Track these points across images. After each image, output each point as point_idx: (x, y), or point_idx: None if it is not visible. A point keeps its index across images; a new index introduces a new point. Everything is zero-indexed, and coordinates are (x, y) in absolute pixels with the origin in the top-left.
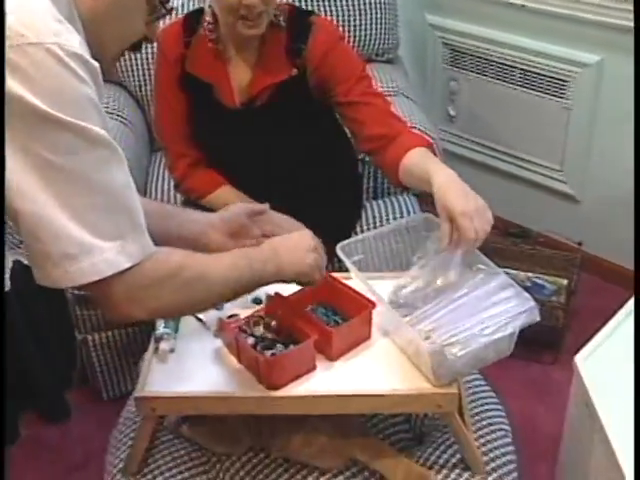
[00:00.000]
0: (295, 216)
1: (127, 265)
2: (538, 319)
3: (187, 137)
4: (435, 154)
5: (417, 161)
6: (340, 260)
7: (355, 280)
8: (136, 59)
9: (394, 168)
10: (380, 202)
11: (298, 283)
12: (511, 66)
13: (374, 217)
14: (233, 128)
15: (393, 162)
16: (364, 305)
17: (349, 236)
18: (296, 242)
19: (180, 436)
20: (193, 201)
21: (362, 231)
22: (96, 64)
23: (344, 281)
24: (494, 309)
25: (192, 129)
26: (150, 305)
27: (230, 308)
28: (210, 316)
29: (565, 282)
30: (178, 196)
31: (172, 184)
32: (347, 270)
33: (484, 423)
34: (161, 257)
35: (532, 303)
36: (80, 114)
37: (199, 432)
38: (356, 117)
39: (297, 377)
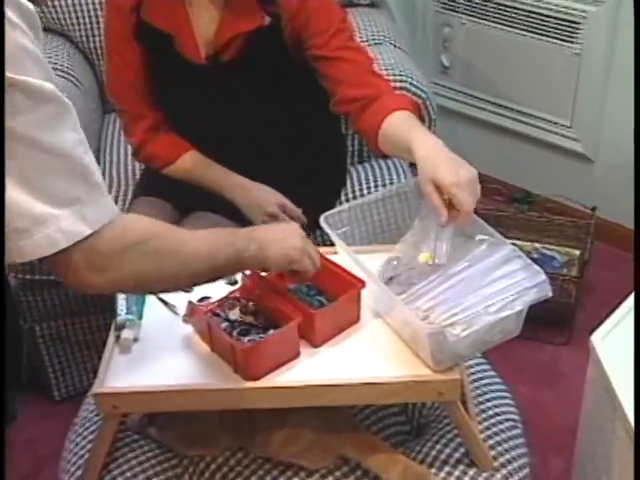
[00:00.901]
0: (272, 185)
1: (87, 233)
2: (550, 294)
3: (145, 97)
4: (421, 118)
5: (397, 127)
6: (324, 233)
7: (341, 255)
8: (81, 4)
9: (373, 135)
10: (367, 166)
11: (290, 274)
12: (512, 7)
13: (360, 184)
14: (198, 86)
15: (371, 128)
16: (352, 283)
17: (333, 206)
18: (284, 228)
19: (146, 437)
20: (154, 170)
21: (347, 200)
22: (31, 6)
23: (329, 256)
24: (500, 284)
25: (150, 87)
26: (113, 275)
27: (201, 290)
28: (179, 299)
29: (577, 253)
30: (137, 165)
31: (130, 151)
32: (332, 244)
33: (490, 413)
34: (128, 223)
35: (543, 277)
36: (16, 67)
37: (168, 433)
38: (332, 75)
39: (278, 366)
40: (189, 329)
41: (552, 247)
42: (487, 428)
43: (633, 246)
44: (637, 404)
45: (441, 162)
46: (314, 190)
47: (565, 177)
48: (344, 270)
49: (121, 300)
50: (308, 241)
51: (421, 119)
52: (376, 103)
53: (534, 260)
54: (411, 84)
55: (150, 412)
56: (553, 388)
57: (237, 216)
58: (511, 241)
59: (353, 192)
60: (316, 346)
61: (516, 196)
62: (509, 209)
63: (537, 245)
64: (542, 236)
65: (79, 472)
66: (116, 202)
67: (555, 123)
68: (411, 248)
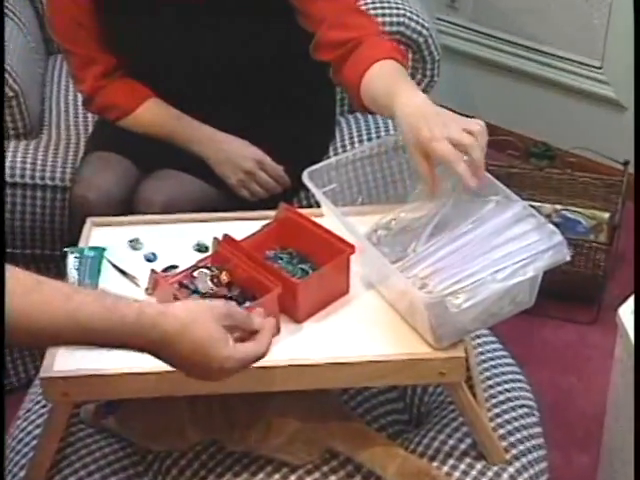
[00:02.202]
0: (248, 139)
1: None
2: (568, 258)
3: (95, 36)
4: (405, 66)
5: (379, 80)
6: (310, 195)
7: (328, 217)
8: None
9: (355, 89)
10: (360, 116)
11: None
12: None
13: (352, 137)
14: (159, 22)
15: (353, 81)
16: (339, 249)
17: (320, 161)
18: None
19: (103, 431)
20: (110, 122)
21: (336, 154)
22: None
23: (314, 219)
24: (509, 247)
25: (101, 26)
26: None
27: (166, 257)
28: (140, 269)
29: (606, 216)
30: (90, 116)
31: (79, 100)
32: (317, 205)
33: (501, 398)
34: None
35: (559, 237)
36: None
37: (130, 425)
38: (311, 12)
39: None
40: None
41: (576, 209)
42: (497, 415)
43: None
44: (637, 404)
45: (424, 119)
46: (298, 144)
47: (592, 127)
48: (331, 234)
49: (72, 269)
50: (259, 174)
51: (421, 61)
52: (358, 51)
53: (555, 225)
54: (410, 19)
55: (107, 400)
56: (577, 372)
57: (207, 174)
58: (528, 202)
59: (343, 146)
60: (299, 321)
61: (533, 150)
62: (525, 165)
63: (558, 207)
64: (564, 197)
65: (23, 472)
66: (65, 159)
67: (582, 64)
68: (410, 212)
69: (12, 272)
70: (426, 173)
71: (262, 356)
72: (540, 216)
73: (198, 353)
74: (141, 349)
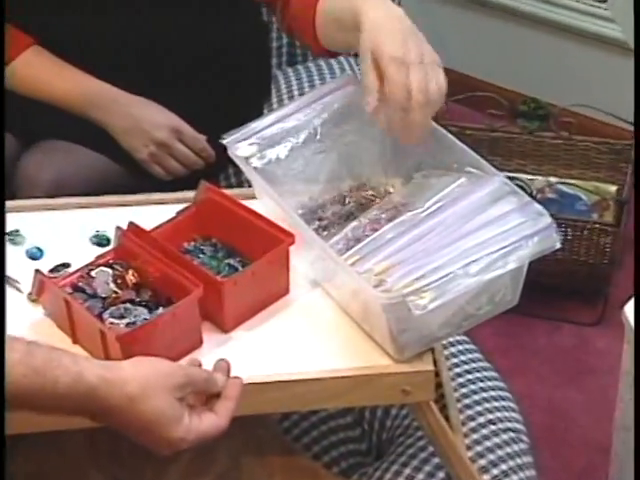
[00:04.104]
0: (163, 101)
1: None
2: (558, 245)
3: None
4: None
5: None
6: (239, 171)
7: (261, 199)
8: None
9: (308, 21)
10: (301, 68)
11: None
12: None
13: (291, 92)
14: None
15: (304, 12)
16: (276, 239)
17: None
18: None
19: None
20: None
21: None
22: None
23: (243, 202)
24: (485, 232)
25: None
26: None
27: (54, 253)
28: (22, 269)
29: (613, 189)
30: None
31: None
32: (248, 184)
33: (482, 420)
34: None
35: (547, 219)
36: None
37: (18, 468)
38: None
39: (173, 360)
40: (39, 313)
41: (575, 182)
42: (477, 442)
43: None
44: (637, 405)
45: (387, 30)
46: (223, 106)
47: (595, 77)
48: (266, 221)
49: None
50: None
51: None
52: None
53: (548, 201)
54: None
55: None
56: (578, 386)
57: (108, 146)
58: (516, 174)
59: (281, 104)
60: (226, 330)
61: (521, 108)
62: (511, 128)
63: (553, 180)
64: (560, 166)
65: None
66: None
67: None
68: (362, 189)
69: None
70: (369, 80)
71: (223, 430)
72: (523, 193)
73: (146, 432)
74: (78, 415)
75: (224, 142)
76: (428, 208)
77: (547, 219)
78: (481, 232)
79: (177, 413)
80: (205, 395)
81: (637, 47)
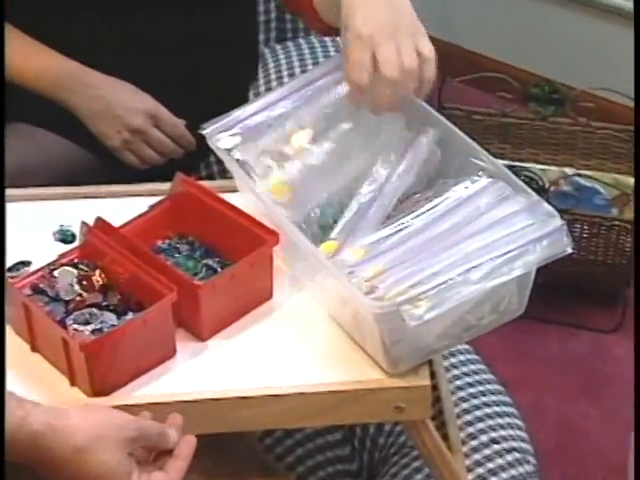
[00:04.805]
0: (138, 82)
1: None
2: (569, 250)
3: None
4: None
5: None
6: (219, 161)
7: (243, 193)
8: None
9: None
10: (291, 45)
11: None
12: None
13: (279, 73)
14: None
15: None
16: (259, 238)
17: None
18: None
19: None
20: None
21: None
22: None
23: (223, 196)
24: (489, 234)
25: None
26: None
27: (15, 250)
28: None
29: (633, 182)
30: None
31: None
32: (229, 175)
33: (484, 439)
34: None
35: (557, 221)
36: None
37: None
38: None
39: (141, 371)
40: None
41: (593, 174)
42: (478, 463)
43: None
44: (637, 406)
45: (361, 4)
46: (204, 88)
47: (617, 56)
48: (248, 218)
49: None
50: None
51: None
52: None
53: (564, 195)
54: None
55: None
56: (594, 399)
57: (76, 131)
58: (527, 164)
59: (269, 89)
60: (203, 339)
61: (534, 91)
62: (523, 113)
63: (568, 171)
64: (577, 156)
65: None
66: None
67: None
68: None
69: None
70: (352, 57)
71: None
72: (532, 192)
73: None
74: (22, 462)
75: (204, 132)
76: (425, 208)
77: (557, 221)
78: (484, 234)
79: (126, 470)
80: (154, 451)
81: (637, 46)
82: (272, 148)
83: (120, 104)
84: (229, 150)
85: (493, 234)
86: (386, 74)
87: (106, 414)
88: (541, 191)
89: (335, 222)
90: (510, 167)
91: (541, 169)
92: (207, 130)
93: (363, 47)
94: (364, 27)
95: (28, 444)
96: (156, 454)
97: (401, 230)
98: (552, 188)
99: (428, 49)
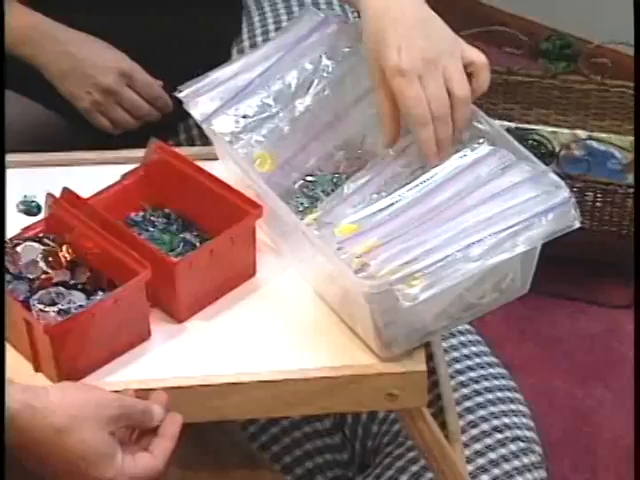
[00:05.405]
0: (110, 38)
1: None
2: (577, 224)
3: None
4: None
5: None
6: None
7: (224, 161)
8: None
9: None
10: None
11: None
12: None
13: (265, 27)
14: None
15: None
16: (241, 210)
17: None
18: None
19: None
20: None
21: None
22: None
23: (201, 164)
24: (489, 207)
25: None
26: None
27: None
28: None
29: None
30: None
31: None
32: (207, 141)
33: (485, 428)
34: None
35: (564, 193)
36: None
37: None
38: None
39: (113, 355)
40: None
41: (608, 137)
42: (479, 454)
43: None
44: (637, 405)
45: (395, 32)
46: (183, 44)
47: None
48: (229, 188)
49: None
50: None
51: None
52: None
53: (576, 160)
54: None
55: None
56: (606, 381)
57: (43, 92)
58: (536, 126)
59: (254, 45)
60: (180, 320)
61: (544, 46)
62: (532, 70)
63: (581, 133)
64: (590, 117)
65: None
66: None
67: None
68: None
69: None
70: (385, 114)
71: (159, 472)
72: (537, 161)
73: (71, 471)
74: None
75: (180, 96)
76: (422, 178)
77: (564, 192)
78: (485, 207)
79: (109, 450)
80: (138, 430)
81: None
82: (254, 113)
83: (90, 62)
84: (208, 116)
85: (494, 207)
86: (439, 112)
87: (86, 392)
88: (550, 156)
89: (324, 192)
90: (517, 130)
91: (551, 132)
92: (183, 93)
93: (411, 82)
94: (398, 58)
95: (6, 428)
96: (139, 434)
97: (395, 203)
98: (563, 152)
99: (476, 56)
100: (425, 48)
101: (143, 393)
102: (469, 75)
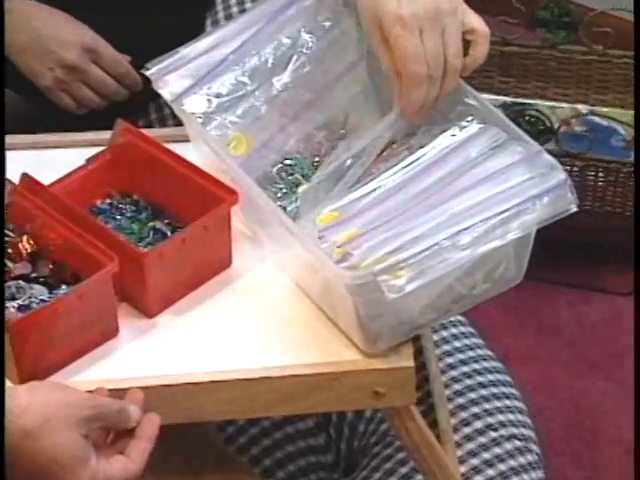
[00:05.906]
0: (74, 11)
1: None
2: (574, 208)
3: None
4: None
5: None
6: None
7: (196, 143)
8: None
9: None
10: None
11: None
12: None
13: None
14: None
15: None
16: (215, 197)
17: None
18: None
19: None
20: None
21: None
22: None
23: (171, 147)
24: (480, 191)
25: None
26: None
27: None
28: None
29: None
30: None
31: None
32: (180, 122)
33: (479, 426)
34: None
35: (560, 175)
36: None
37: None
38: None
39: (79, 354)
40: None
41: (611, 111)
42: (472, 454)
43: None
44: (637, 405)
45: None
46: (152, 18)
47: None
48: (202, 173)
49: None
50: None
51: None
52: None
53: (577, 137)
54: None
55: None
56: (609, 372)
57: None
58: (533, 100)
59: (229, 16)
60: (150, 315)
61: (541, 14)
62: (529, 40)
63: (582, 108)
64: (592, 91)
65: None
66: None
67: None
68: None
69: None
70: (396, 71)
71: (136, 475)
72: (531, 140)
73: (46, 475)
74: None
75: (148, 73)
76: (409, 160)
77: (560, 174)
78: (475, 191)
79: (83, 453)
80: (113, 432)
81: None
82: (229, 91)
83: (52, 36)
84: (178, 95)
85: (485, 190)
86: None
87: (58, 392)
88: (549, 132)
89: (304, 177)
90: (513, 105)
91: (549, 106)
92: (152, 70)
93: (412, 33)
94: (399, 9)
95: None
96: (115, 436)
97: (378, 188)
98: (562, 128)
99: (478, 23)
100: (426, 0)
101: (118, 393)
102: (467, 43)
